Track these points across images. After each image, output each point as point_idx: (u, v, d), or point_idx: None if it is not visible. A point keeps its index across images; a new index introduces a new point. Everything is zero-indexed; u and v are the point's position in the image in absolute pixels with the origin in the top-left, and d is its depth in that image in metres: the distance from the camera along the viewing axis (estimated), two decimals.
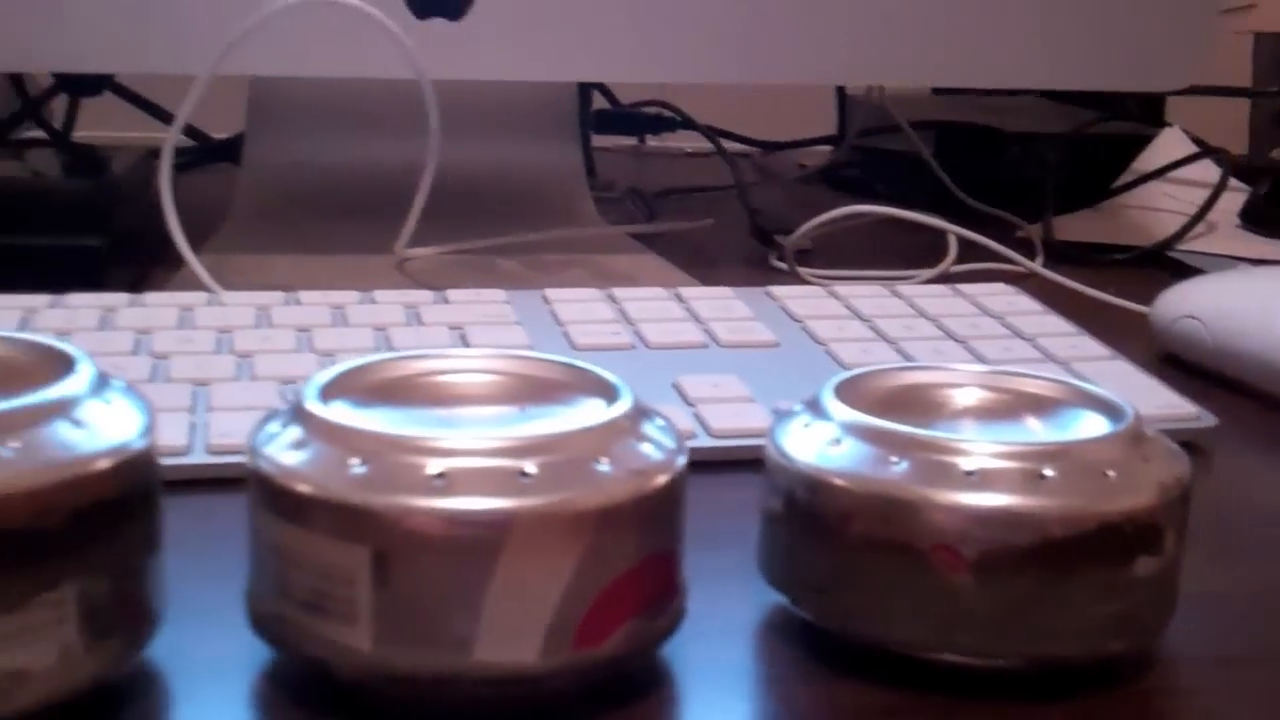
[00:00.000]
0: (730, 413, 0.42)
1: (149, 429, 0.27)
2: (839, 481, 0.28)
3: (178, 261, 0.55)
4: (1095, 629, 0.28)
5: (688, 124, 0.87)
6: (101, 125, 0.86)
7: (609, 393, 0.29)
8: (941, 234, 0.66)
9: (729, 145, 0.85)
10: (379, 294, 0.51)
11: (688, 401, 0.43)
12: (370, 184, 0.68)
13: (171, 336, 0.46)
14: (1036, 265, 0.64)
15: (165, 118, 0.81)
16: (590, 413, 0.28)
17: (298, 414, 0.27)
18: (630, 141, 0.98)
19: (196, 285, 0.53)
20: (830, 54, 0.63)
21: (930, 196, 0.79)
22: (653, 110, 0.90)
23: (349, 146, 0.68)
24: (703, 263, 0.65)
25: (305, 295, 0.50)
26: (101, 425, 0.26)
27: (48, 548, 0.24)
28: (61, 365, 0.27)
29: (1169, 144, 0.83)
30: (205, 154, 0.83)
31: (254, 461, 0.27)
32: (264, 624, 0.28)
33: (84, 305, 0.48)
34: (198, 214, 0.60)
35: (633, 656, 0.27)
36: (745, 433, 0.41)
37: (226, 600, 0.31)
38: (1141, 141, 0.84)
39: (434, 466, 0.25)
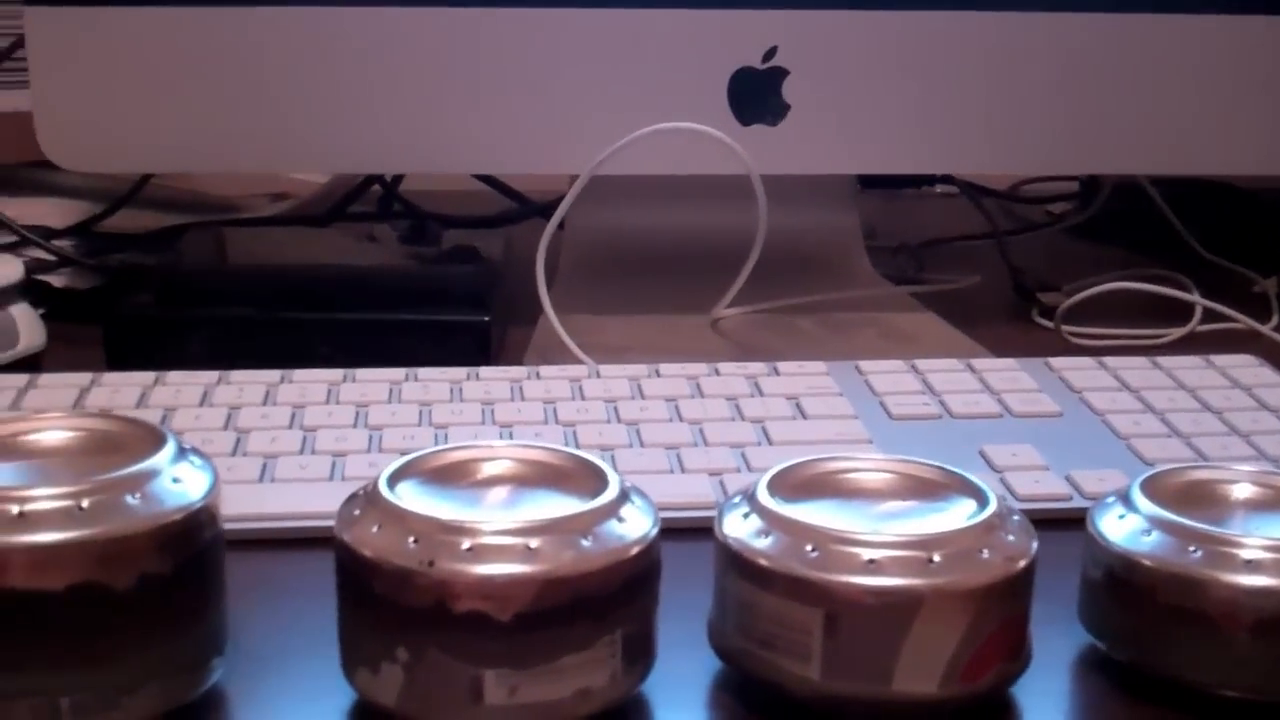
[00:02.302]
0: (1030, 480, 0.52)
1: (658, 521, 0.38)
2: (1149, 563, 0.39)
3: (525, 320, 0.67)
4: None
5: (946, 179, 0.97)
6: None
7: (977, 494, 0.39)
8: (1185, 286, 0.76)
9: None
10: (722, 366, 0.62)
11: (994, 469, 0.53)
12: (678, 249, 0.79)
13: (571, 407, 0.58)
14: (1268, 329, 0.73)
15: (491, 183, 0.94)
16: (968, 511, 0.38)
17: (755, 505, 0.39)
18: None
19: (551, 345, 0.66)
20: (1084, 146, 0.73)
21: (1169, 246, 0.87)
22: None
23: (658, 215, 0.80)
24: (969, 316, 0.75)
25: (664, 368, 0.62)
26: (635, 520, 0.37)
27: (608, 606, 0.36)
28: (597, 476, 0.39)
29: None
30: (522, 214, 0.95)
31: (723, 537, 0.39)
32: (727, 653, 0.39)
33: (495, 378, 0.60)
34: (522, 268, 0.72)
35: (1000, 689, 0.38)
36: (1045, 497, 0.51)
37: (678, 631, 0.42)
38: None
39: (867, 554, 0.36)
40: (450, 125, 0.70)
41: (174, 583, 0.36)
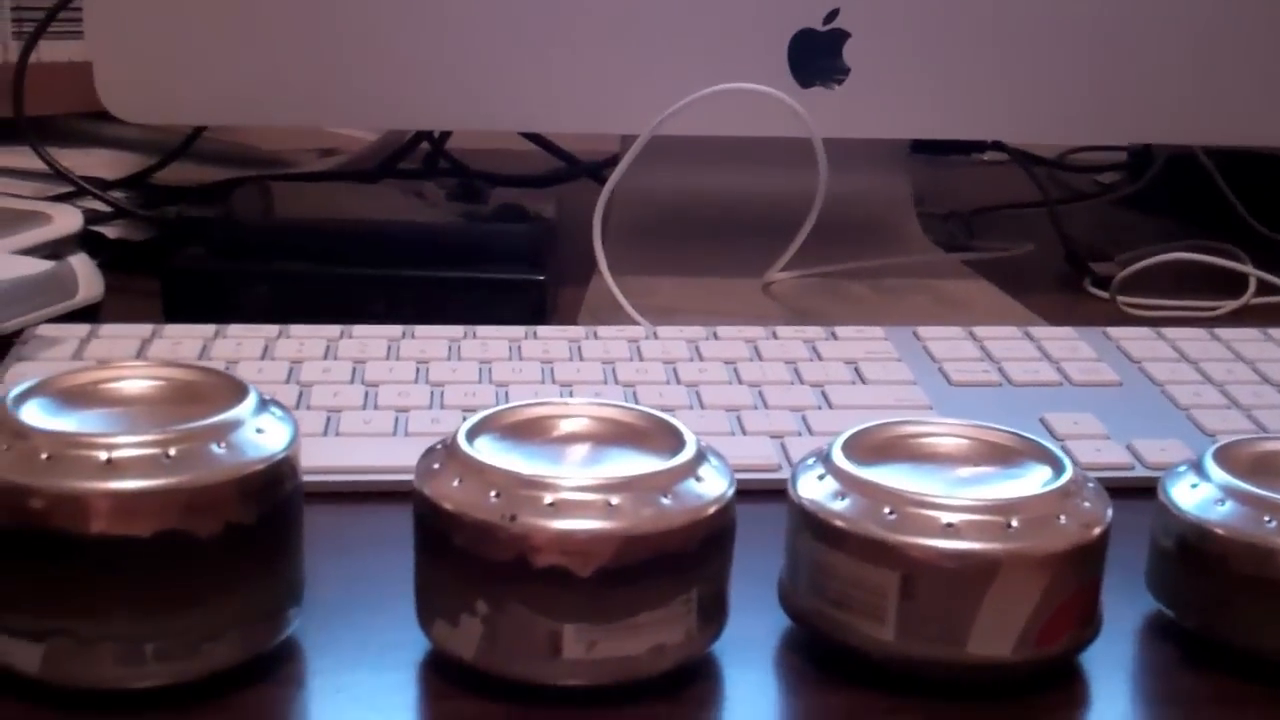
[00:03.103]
0: (1092, 448, 0.52)
1: (734, 481, 0.38)
2: (1222, 532, 0.39)
3: (574, 280, 0.68)
4: None
5: (998, 146, 0.96)
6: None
7: (1053, 460, 0.39)
8: (1238, 258, 0.75)
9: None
10: (780, 329, 0.62)
11: (1055, 437, 0.53)
12: (727, 211, 0.79)
13: (630, 367, 0.58)
14: None
15: (540, 143, 0.94)
16: (1044, 477, 0.38)
17: (830, 467, 0.39)
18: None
19: (603, 305, 0.66)
20: (1139, 115, 0.72)
21: (1220, 218, 0.87)
22: None
23: (707, 177, 0.80)
24: (1021, 284, 0.75)
25: (722, 330, 0.62)
26: (712, 480, 0.37)
27: (687, 564, 0.36)
28: (674, 435, 0.39)
29: None
30: (570, 174, 0.95)
31: (798, 498, 0.39)
32: (799, 613, 0.39)
33: (554, 337, 0.60)
34: (571, 228, 0.73)
35: (1072, 654, 0.38)
36: (1107, 466, 0.51)
37: (742, 592, 0.43)
38: None
39: (945, 518, 0.36)
40: (502, 82, 0.70)
41: (256, 532, 0.36)
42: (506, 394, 0.55)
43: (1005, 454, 0.40)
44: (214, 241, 0.68)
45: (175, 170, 0.84)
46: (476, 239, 0.69)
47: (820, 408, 0.55)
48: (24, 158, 0.80)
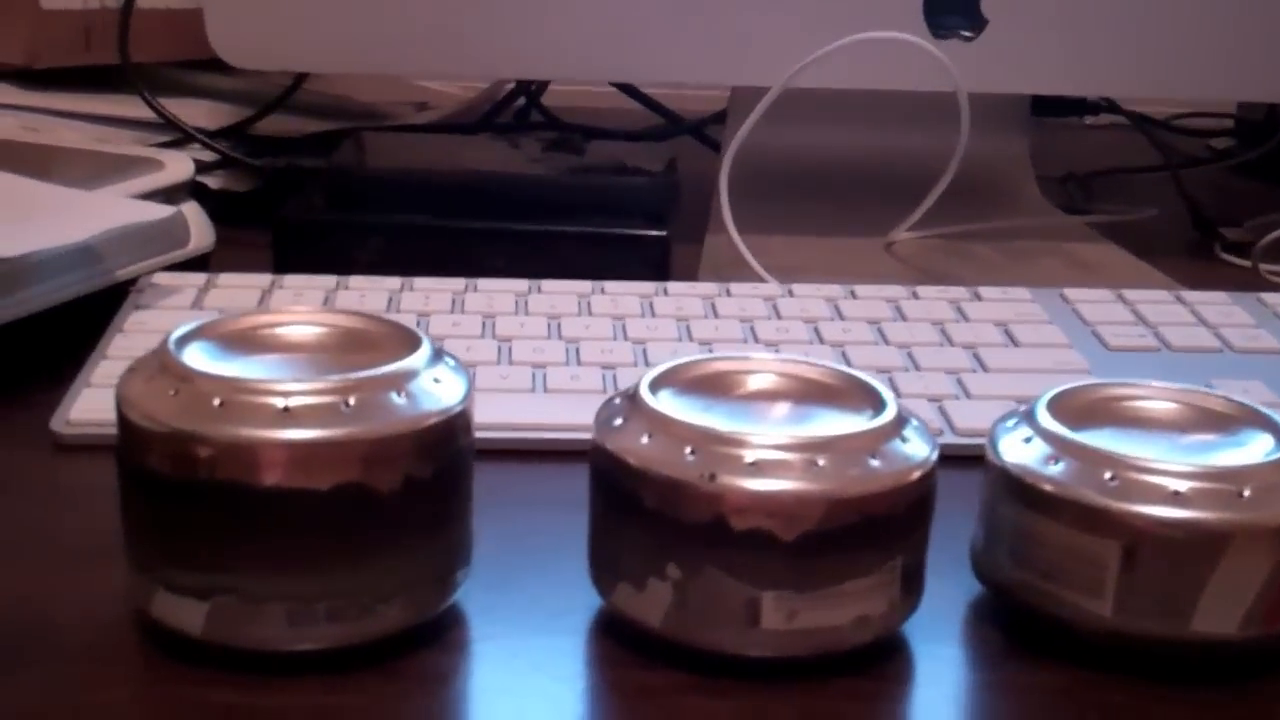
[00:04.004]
0: None
1: (936, 446, 0.36)
2: None
3: (686, 237, 0.65)
4: None
5: (1113, 108, 0.93)
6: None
7: (1272, 426, 0.37)
8: None
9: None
10: (920, 289, 0.59)
11: None
12: (840, 168, 0.76)
13: (769, 326, 0.55)
14: None
15: (644, 100, 0.91)
16: (1266, 445, 0.36)
17: (1038, 429, 0.36)
18: None
19: (722, 262, 0.63)
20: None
21: None
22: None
23: (819, 133, 0.77)
24: (1146, 248, 0.72)
25: (860, 289, 0.59)
26: (916, 442, 0.35)
27: (891, 530, 0.34)
28: (870, 393, 0.36)
29: None
30: (671, 131, 0.92)
31: (1001, 462, 0.36)
32: (999, 585, 0.37)
33: (685, 294, 0.58)
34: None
35: None
36: None
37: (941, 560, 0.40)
38: None
39: (1173, 485, 0.34)
40: (607, 32, 0.68)
41: (432, 488, 0.34)
42: (645, 351, 0.53)
43: (1220, 420, 0.38)
44: (326, 192, 0.66)
45: (272, 122, 0.82)
46: (597, 193, 0.66)
47: (974, 370, 0.52)
48: (116, 105, 0.78)
